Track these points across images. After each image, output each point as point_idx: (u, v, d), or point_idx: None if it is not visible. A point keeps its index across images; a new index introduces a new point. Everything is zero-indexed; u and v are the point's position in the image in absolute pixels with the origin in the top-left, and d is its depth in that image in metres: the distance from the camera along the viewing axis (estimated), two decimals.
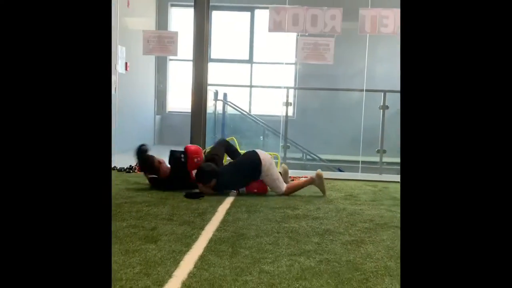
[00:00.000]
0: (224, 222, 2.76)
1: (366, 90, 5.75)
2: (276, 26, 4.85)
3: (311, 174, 4.93)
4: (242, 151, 4.15)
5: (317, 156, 7.45)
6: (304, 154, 7.46)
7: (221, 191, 3.63)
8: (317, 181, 3.78)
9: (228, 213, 3.01)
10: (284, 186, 3.71)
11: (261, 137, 7.64)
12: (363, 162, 5.38)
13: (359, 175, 5.14)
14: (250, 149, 3.84)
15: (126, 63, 6.33)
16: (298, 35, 5.32)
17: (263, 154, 3.69)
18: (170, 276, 1.85)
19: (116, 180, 4.05)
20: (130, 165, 4.59)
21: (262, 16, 7.91)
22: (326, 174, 5.24)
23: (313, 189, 4.04)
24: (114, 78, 6.00)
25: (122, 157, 5.28)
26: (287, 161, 5.92)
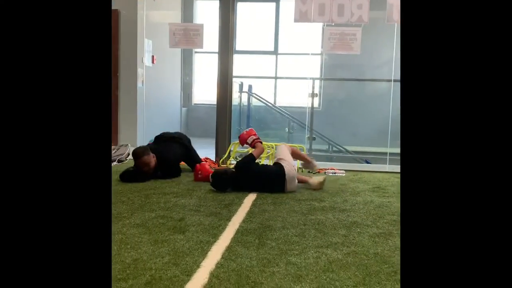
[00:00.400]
0: (250, 213, 2.78)
1: (394, 81, 5.63)
2: (302, 16, 4.79)
3: (337, 166, 4.89)
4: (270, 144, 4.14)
5: (343, 148, 7.37)
6: (330, 146, 7.40)
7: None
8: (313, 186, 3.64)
9: (254, 204, 3.03)
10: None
11: (286, 128, 7.61)
12: (391, 153, 5.28)
13: (387, 167, 5.05)
14: (277, 144, 3.82)
15: (152, 56, 6.42)
16: (324, 25, 5.25)
17: (288, 169, 3.49)
18: (198, 266, 1.88)
19: None
20: None
21: (288, 6, 7.84)
22: (353, 166, 5.18)
23: (340, 181, 4.01)
24: (141, 71, 6.09)
25: None
26: (313, 153, 5.89)
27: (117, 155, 4.70)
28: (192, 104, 8.63)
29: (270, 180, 3.46)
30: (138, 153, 3.81)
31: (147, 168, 3.79)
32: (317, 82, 7.50)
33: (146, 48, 6.19)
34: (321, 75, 8.03)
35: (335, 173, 4.48)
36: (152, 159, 3.82)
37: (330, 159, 6.77)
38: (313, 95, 6.11)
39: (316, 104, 6.94)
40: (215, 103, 5.15)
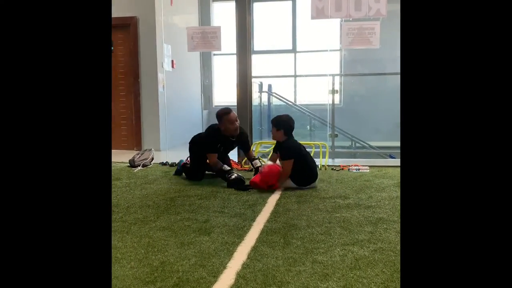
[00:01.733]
0: (274, 213, 2.77)
1: None
2: (318, 13, 4.76)
3: (361, 162, 4.82)
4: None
5: (366, 143, 7.27)
6: (353, 142, 7.32)
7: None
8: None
9: (278, 204, 3.02)
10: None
11: (308, 126, 7.57)
12: None
13: None
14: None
15: (172, 61, 6.49)
16: (342, 20, 5.19)
17: None
18: (224, 267, 1.89)
19: (168, 175, 4.18)
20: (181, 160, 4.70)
21: (304, 3, 7.80)
22: (377, 162, 5.11)
23: (364, 178, 3.97)
24: (161, 76, 6.17)
25: (173, 153, 5.44)
26: (336, 150, 5.84)
27: (142, 160, 4.77)
28: (213, 106, 8.68)
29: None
30: (225, 109, 3.82)
31: (234, 126, 3.79)
32: (337, 78, 7.43)
33: (166, 53, 6.27)
34: (340, 71, 7.95)
35: (359, 169, 4.43)
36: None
37: (353, 156, 6.70)
38: (333, 91, 6.05)
39: (337, 101, 6.87)
40: (236, 104, 5.16)
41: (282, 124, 3.66)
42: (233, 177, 3.64)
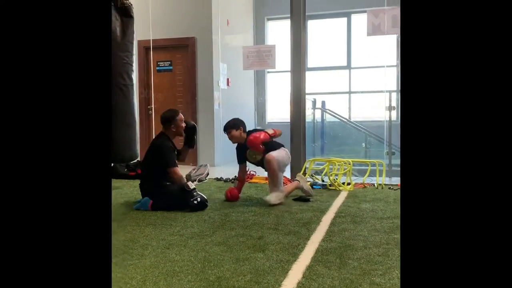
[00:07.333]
0: (329, 232, 2.73)
1: None
2: (375, 30, 4.70)
3: None
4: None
5: None
6: None
7: None
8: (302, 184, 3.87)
9: (333, 223, 2.97)
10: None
11: (363, 144, 7.40)
12: None
13: None
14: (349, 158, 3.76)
15: (227, 79, 6.66)
16: (398, 36, 5.08)
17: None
18: (279, 285, 1.88)
19: (223, 190, 4.25)
20: (235, 176, 4.77)
21: (359, 20, 7.73)
22: None
23: None
24: (217, 94, 6.34)
25: (227, 168, 5.54)
26: (393, 168, 5.66)
27: (197, 175, 4.89)
28: (266, 123, 8.76)
29: None
30: (173, 110, 3.80)
31: (183, 124, 3.80)
32: (394, 95, 7.24)
33: (221, 72, 6.45)
34: (397, 88, 7.74)
35: None
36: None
37: None
38: (390, 108, 5.90)
39: (394, 117, 6.69)
40: (289, 121, 5.18)
41: (239, 124, 3.83)
42: (198, 200, 3.45)
